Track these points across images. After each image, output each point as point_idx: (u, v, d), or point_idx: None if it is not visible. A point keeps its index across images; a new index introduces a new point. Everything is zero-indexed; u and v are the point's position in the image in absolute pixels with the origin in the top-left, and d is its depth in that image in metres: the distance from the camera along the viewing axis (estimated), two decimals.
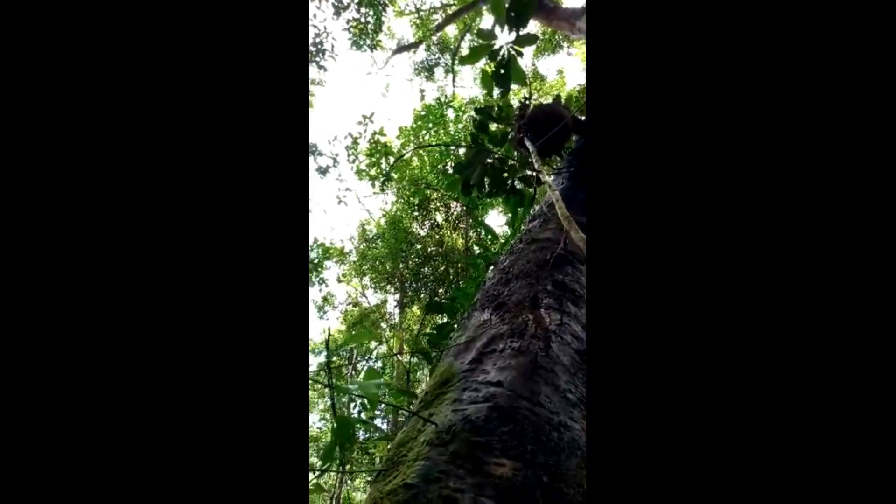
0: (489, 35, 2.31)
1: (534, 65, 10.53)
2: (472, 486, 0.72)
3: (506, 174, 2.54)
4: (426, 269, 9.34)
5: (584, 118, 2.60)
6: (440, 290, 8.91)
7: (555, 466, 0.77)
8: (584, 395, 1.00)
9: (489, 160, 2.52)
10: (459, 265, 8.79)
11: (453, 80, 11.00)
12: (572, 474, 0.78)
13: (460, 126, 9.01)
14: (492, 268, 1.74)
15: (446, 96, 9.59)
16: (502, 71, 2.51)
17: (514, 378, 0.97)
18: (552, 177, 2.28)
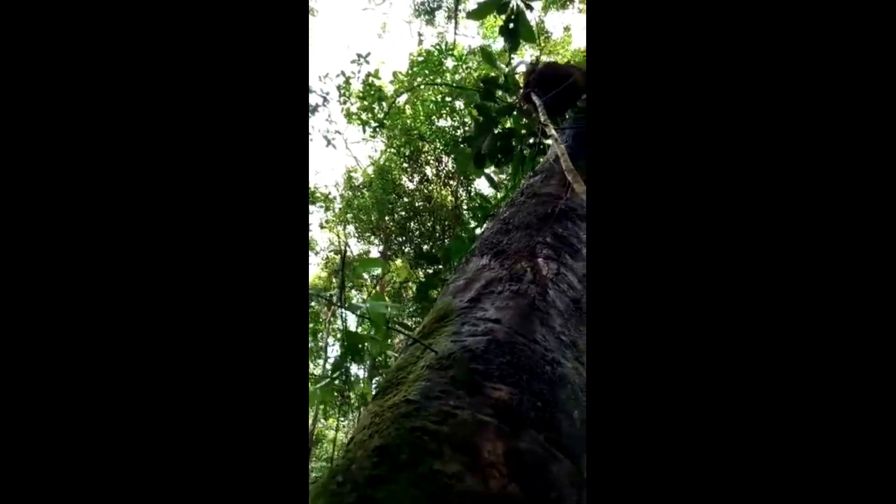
0: None
1: (541, 20, 10.05)
2: (471, 404, 0.78)
3: (514, 141, 2.52)
4: (413, 223, 9.29)
5: None
6: (426, 246, 8.93)
7: (549, 395, 0.83)
8: (576, 339, 1.06)
9: (497, 129, 2.49)
10: (446, 222, 8.77)
11: (455, 27, 10.42)
12: (563, 403, 0.84)
13: (458, 77, 8.64)
14: (490, 218, 1.76)
15: (447, 43, 9.13)
16: (511, 26, 2.41)
17: (511, 316, 1.01)
18: (557, 133, 2.26)
